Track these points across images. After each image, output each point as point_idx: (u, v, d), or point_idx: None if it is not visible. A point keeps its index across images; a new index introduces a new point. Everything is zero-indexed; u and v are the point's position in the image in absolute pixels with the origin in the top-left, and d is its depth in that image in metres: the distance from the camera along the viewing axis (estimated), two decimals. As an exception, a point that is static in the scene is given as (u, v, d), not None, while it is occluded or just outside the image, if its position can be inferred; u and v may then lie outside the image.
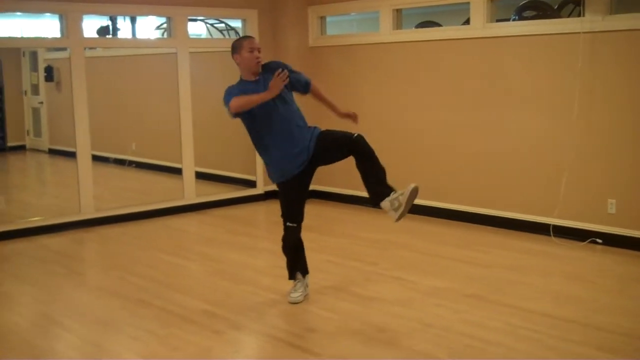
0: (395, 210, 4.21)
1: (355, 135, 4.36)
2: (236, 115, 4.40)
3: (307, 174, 4.56)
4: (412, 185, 4.21)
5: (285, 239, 4.69)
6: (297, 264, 4.76)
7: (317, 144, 4.45)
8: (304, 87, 4.65)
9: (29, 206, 7.94)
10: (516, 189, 6.57)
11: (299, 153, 4.44)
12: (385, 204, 4.26)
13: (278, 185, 4.65)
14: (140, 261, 5.85)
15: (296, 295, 4.70)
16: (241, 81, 4.55)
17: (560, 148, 6.20)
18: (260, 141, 4.54)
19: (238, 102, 4.30)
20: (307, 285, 4.79)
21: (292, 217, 4.62)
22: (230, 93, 4.41)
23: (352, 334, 4.18)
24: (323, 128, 4.59)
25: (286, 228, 4.65)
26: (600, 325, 4.22)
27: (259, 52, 4.46)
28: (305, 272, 4.79)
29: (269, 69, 4.48)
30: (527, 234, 6.41)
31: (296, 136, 4.45)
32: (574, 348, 3.89)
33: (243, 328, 4.31)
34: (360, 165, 4.38)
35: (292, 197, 4.61)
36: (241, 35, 8.30)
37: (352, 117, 4.73)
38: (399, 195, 4.21)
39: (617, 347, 3.89)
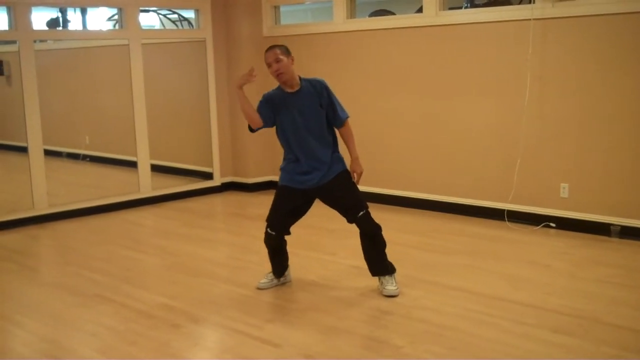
0: (383, 288, 4.60)
1: (361, 214, 4.46)
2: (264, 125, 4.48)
3: (305, 196, 4.54)
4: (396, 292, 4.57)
5: (264, 240, 4.71)
6: (273, 264, 4.81)
7: (330, 182, 4.47)
8: (337, 121, 4.52)
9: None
10: (471, 176, 6.65)
11: (308, 174, 4.45)
12: (380, 279, 4.62)
13: (277, 187, 4.65)
14: (97, 256, 5.78)
15: (262, 281, 4.80)
16: (278, 88, 4.48)
17: (513, 134, 6.28)
18: (282, 143, 4.55)
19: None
20: (279, 280, 4.86)
21: (272, 224, 4.62)
22: (260, 102, 4.46)
23: (309, 323, 4.19)
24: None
25: (265, 231, 4.67)
26: (554, 307, 4.31)
27: (277, 62, 4.30)
28: (278, 275, 4.85)
29: (311, 84, 4.44)
30: (482, 220, 6.50)
31: (312, 153, 4.43)
32: (530, 331, 3.96)
33: (202, 321, 4.29)
34: (362, 241, 4.60)
35: (281, 205, 4.59)
36: (194, 26, 8.24)
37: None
38: (387, 287, 4.57)
39: (571, 329, 3.97)
